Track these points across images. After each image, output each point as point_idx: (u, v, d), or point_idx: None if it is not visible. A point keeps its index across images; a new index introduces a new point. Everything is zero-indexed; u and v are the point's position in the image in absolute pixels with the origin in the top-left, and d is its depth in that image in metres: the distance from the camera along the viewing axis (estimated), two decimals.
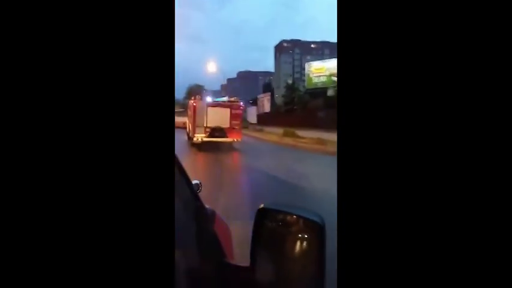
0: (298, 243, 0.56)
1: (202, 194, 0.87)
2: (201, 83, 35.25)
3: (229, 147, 9.46)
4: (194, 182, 0.91)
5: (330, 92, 21.89)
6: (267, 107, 27.56)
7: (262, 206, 0.58)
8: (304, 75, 30.54)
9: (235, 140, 9.56)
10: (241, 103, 10.17)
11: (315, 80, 27.12)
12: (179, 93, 36.72)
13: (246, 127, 16.90)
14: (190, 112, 9.56)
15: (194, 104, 9.17)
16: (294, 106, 25.92)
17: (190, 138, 9.49)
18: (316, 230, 0.52)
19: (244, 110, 16.57)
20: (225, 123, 9.28)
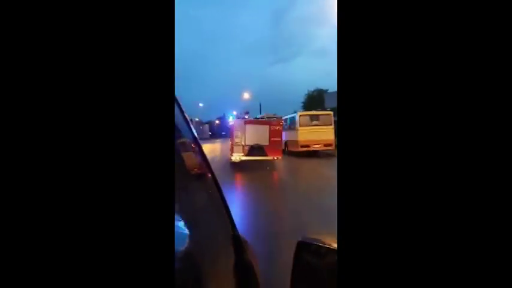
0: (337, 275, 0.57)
1: None
2: (325, 88, 31.95)
3: None
4: None
5: None
6: None
7: (300, 239, 0.59)
8: None
9: (275, 158, 9.07)
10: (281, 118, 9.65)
11: None
12: (298, 100, 34.85)
13: None
14: (230, 131, 9.56)
15: (232, 123, 9.15)
16: None
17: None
18: None
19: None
20: (264, 140, 8.94)
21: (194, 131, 0.75)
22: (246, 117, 9.56)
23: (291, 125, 12.85)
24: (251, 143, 8.93)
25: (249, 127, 9.02)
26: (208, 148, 20.33)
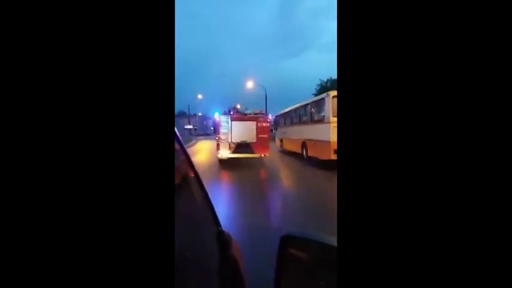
0: (323, 270, 0.54)
1: None
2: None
3: None
4: None
5: None
6: None
7: (285, 234, 0.58)
8: None
9: (263, 155, 8.75)
10: (268, 115, 9.25)
11: None
12: (308, 94, 32.10)
13: None
14: (217, 128, 9.23)
15: (217, 119, 8.84)
16: None
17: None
18: None
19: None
20: (251, 137, 8.61)
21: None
22: (232, 113, 9.21)
23: (313, 115, 8.40)
24: (238, 140, 8.61)
25: (235, 124, 8.68)
26: (207, 144, 20.12)
